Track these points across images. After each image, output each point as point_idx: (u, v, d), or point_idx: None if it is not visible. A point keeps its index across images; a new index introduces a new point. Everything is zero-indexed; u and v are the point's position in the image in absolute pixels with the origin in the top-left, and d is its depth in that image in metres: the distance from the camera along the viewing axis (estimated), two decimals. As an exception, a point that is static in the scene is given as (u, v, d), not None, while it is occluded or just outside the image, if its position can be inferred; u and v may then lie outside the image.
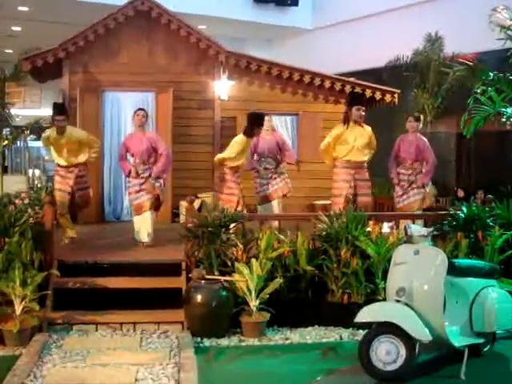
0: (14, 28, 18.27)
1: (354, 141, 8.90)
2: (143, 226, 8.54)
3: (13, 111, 14.96)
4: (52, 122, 8.86)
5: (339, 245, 7.25)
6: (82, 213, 10.13)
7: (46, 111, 20.04)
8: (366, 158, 9.09)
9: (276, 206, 9.68)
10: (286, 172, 9.91)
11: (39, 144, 21.64)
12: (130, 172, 8.62)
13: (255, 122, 8.93)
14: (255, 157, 9.80)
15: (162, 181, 8.67)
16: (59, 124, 8.55)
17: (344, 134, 8.91)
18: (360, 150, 8.94)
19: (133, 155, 8.70)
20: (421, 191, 9.08)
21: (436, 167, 9.26)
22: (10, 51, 18.89)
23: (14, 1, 15.25)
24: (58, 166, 8.76)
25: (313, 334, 6.86)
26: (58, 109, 8.70)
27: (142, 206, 8.52)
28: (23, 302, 6.36)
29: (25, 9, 16.24)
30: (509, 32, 7.86)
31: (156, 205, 8.65)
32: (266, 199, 9.70)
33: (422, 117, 9.56)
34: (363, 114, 9.00)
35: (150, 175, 8.53)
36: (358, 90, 11.64)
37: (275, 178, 9.72)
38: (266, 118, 9.57)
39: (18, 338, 6.24)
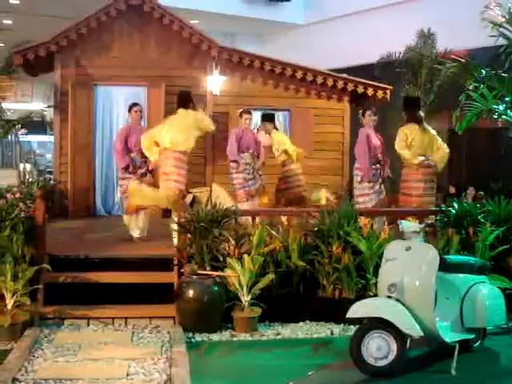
0: (4, 21, 18.17)
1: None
2: (137, 223, 8.52)
3: (4, 105, 14.89)
4: None
5: (331, 240, 7.26)
6: (73, 207, 10.13)
7: (38, 105, 19.99)
8: None
9: (255, 205, 9.55)
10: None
11: (31, 138, 21.61)
12: (127, 166, 8.57)
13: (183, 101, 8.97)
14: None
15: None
16: None
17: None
18: None
19: (130, 148, 8.64)
20: (382, 187, 9.11)
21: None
22: (1, 45, 18.78)
23: (5, -6, 15.18)
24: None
25: (304, 330, 6.87)
26: None
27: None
28: (14, 297, 6.35)
29: (16, 2, 16.16)
30: (501, 29, 7.88)
31: None
32: (246, 197, 9.54)
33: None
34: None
35: (146, 170, 8.50)
36: (350, 85, 11.67)
37: (255, 177, 9.63)
38: (247, 115, 9.62)
39: (9, 332, 6.22)
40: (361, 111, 9.27)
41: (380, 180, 9.04)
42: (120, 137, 8.74)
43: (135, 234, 8.55)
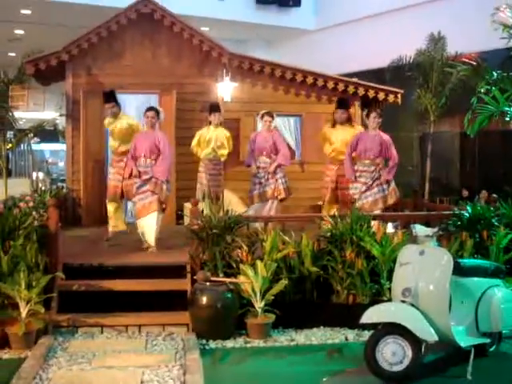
0: (17, 31, 18.31)
1: (336, 140, 9.51)
2: (148, 229, 8.51)
3: (16, 114, 14.99)
4: None
5: (344, 246, 7.24)
6: (86, 215, 10.15)
7: (50, 114, 20.11)
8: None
9: (267, 209, 9.55)
10: (286, 173, 9.79)
11: (43, 147, 21.76)
12: (130, 173, 8.56)
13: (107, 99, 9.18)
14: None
15: (166, 182, 8.59)
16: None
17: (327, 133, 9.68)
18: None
19: (136, 151, 8.59)
20: (384, 188, 9.02)
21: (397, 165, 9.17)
22: (14, 54, 18.93)
23: (16, 4, 15.27)
24: None
25: (318, 335, 6.85)
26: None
27: (145, 207, 8.47)
28: (28, 305, 6.36)
29: (28, 12, 16.27)
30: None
31: (163, 207, 8.62)
32: (256, 199, 9.59)
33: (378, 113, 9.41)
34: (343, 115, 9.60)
35: (152, 176, 8.50)
36: (360, 90, 11.65)
37: (268, 179, 9.58)
38: (268, 117, 9.68)
39: (24, 340, 6.24)
40: (365, 113, 9.35)
41: (371, 182, 8.98)
42: (132, 144, 8.71)
43: (150, 243, 8.51)
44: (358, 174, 9.06)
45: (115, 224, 9.15)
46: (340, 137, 9.56)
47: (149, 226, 8.46)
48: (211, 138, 9.89)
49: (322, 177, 9.89)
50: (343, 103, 9.80)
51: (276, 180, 9.60)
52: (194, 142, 9.99)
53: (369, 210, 8.65)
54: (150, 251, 8.41)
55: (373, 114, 9.15)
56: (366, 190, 8.96)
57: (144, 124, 8.89)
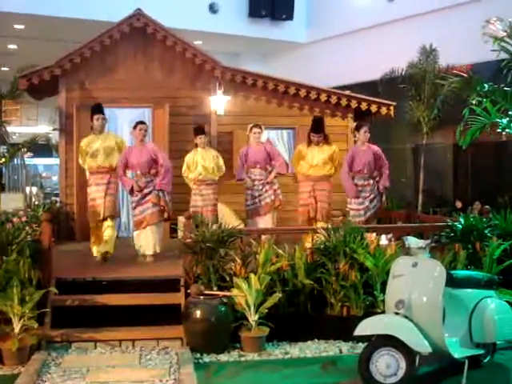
0: (10, 46, 18.32)
1: (312, 158, 9.51)
2: (147, 241, 8.49)
3: (10, 129, 14.98)
4: None
5: (337, 258, 7.25)
6: (80, 229, 10.14)
7: (43, 128, 20.10)
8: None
9: (269, 220, 9.62)
10: (280, 185, 9.91)
11: (37, 161, 21.70)
12: (132, 188, 8.56)
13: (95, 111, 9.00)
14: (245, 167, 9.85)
15: (166, 194, 8.62)
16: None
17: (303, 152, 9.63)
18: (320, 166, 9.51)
19: (132, 168, 8.66)
20: (378, 199, 9.22)
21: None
22: (6, 69, 18.92)
23: (9, 19, 15.29)
24: None
25: (312, 348, 6.84)
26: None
27: (145, 219, 8.49)
28: (21, 321, 6.34)
29: (21, 27, 16.29)
30: (502, 43, 7.91)
31: (165, 218, 8.67)
32: (258, 213, 9.66)
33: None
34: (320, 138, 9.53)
35: (153, 188, 8.51)
36: (353, 102, 11.70)
37: (266, 191, 9.66)
38: (256, 129, 9.72)
39: (17, 356, 6.22)
40: (353, 126, 9.38)
41: (372, 195, 9.10)
42: (120, 162, 8.67)
43: (149, 252, 8.50)
44: (359, 188, 9.09)
45: (110, 246, 8.87)
46: (317, 155, 9.51)
47: (149, 237, 8.50)
48: (198, 160, 9.86)
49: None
50: (317, 128, 9.67)
51: (274, 190, 9.71)
52: (184, 168, 9.86)
53: (371, 222, 8.87)
54: (148, 261, 8.43)
55: (364, 128, 9.20)
56: (369, 203, 9.09)
57: (134, 138, 8.89)
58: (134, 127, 8.81)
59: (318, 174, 9.49)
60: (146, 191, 8.56)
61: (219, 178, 9.96)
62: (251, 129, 9.86)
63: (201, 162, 9.74)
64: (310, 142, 9.56)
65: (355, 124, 9.67)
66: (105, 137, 8.92)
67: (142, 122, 8.87)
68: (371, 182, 9.15)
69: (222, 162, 9.95)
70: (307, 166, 9.54)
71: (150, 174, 8.60)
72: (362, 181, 9.12)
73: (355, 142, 9.51)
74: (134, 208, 8.68)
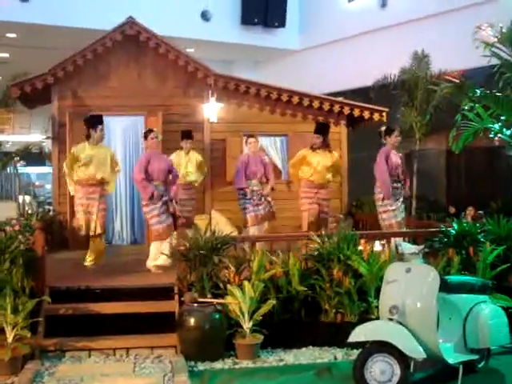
0: (2, 54, 18.30)
1: (317, 164, 9.67)
2: (162, 250, 8.38)
3: (2, 138, 14.98)
4: None
5: (331, 264, 7.24)
6: (73, 238, 10.10)
7: (36, 137, 20.06)
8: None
9: (261, 230, 9.63)
10: (275, 192, 10.00)
11: (30, 170, 21.69)
12: (152, 195, 8.32)
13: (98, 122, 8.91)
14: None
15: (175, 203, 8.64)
16: None
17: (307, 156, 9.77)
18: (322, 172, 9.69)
19: (153, 175, 8.41)
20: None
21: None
22: (-1, 78, 18.91)
23: (1, 27, 15.28)
24: None
25: (307, 355, 6.82)
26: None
27: (169, 228, 8.39)
28: (14, 330, 6.30)
29: (13, 35, 16.28)
30: (493, 49, 7.94)
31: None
32: (255, 220, 9.65)
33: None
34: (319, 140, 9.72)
35: (169, 199, 8.47)
36: (346, 109, 11.72)
37: (263, 202, 9.72)
38: (252, 139, 9.75)
39: (10, 366, 6.17)
40: (383, 130, 9.32)
41: (401, 198, 9.17)
42: (139, 165, 8.45)
43: (160, 261, 8.39)
44: (392, 191, 9.05)
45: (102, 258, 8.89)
46: (321, 161, 9.71)
47: (166, 247, 8.36)
48: (181, 164, 9.87)
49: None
50: (319, 130, 9.88)
51: (268, 202, 9.78)
52: None
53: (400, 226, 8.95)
54: (158, 268, 8.36)
55: (396, 133, 9.24)
56: (401, 205, 9.15)
57: (148, 147, 8.67)
58: (145, 137, 8.66)
59: (320, 181, 9.67)
60: (164, 199, 8.45)
61: (211, 184, 10.02)
62: (247, 140, 9.96)
63: (183, 166, 9.82)
64: (313, 148, 9.72)
65: (385, 128, 9.49)
66: (99, 148, 8.87)
67: (151, 130, 8.73)
68: (399, 185, 9.16)
69: (205, 168, 10.29)
70: (311, 172, 9.68)
71: (166, 183, 8.54)
72: (394, 183, 9.09)
73: (384, 145, 9.25)
74: (151, 218, 8.42)
